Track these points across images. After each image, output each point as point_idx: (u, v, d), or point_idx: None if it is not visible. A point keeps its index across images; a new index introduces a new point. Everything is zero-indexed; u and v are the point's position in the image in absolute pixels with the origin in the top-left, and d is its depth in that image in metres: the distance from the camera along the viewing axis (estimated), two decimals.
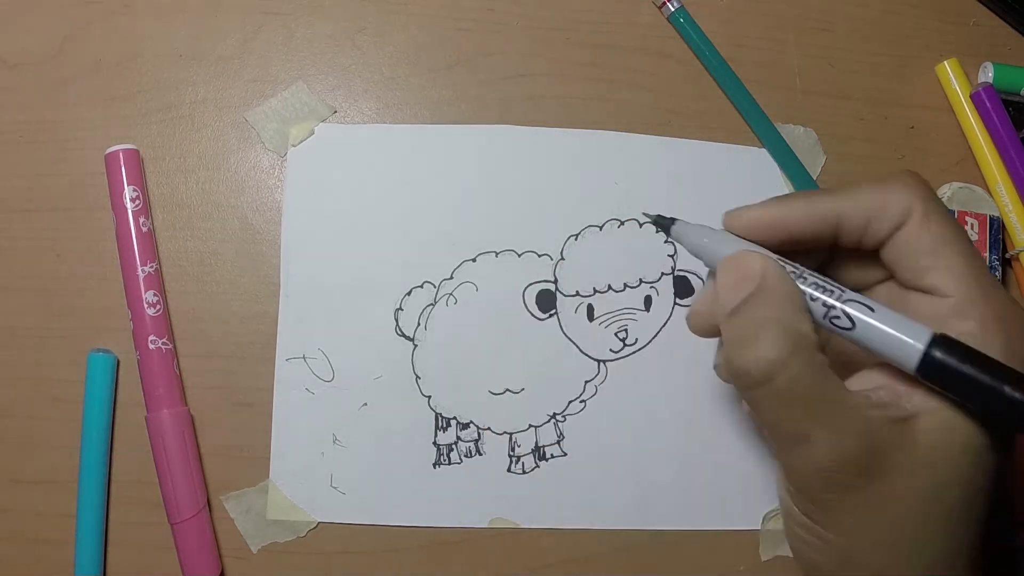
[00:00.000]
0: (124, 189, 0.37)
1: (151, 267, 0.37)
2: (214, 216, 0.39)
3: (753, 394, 0.26)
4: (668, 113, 0.41)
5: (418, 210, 0.40)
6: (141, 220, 0.37)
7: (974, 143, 0.43)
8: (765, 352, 0.25)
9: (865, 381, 0.27)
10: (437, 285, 0.39)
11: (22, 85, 0.39)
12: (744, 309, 0.27)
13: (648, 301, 0.40)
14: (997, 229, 0.41)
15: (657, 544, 0.39)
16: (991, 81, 0.43)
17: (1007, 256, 0.42)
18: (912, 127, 0.43)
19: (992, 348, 0.25)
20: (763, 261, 0.27)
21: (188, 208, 0.39)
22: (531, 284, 0.40)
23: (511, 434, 0.39)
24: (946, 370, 0.25)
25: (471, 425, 0.39)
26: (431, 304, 0.39)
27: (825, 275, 0.28)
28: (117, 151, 0.37)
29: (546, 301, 0.40)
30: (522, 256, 0.40)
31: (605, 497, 0.39)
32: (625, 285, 0.40)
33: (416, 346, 0.39)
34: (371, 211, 0.39)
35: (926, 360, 0.25)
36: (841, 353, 0.29)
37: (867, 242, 0.29)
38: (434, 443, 0.38)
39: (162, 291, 0.37)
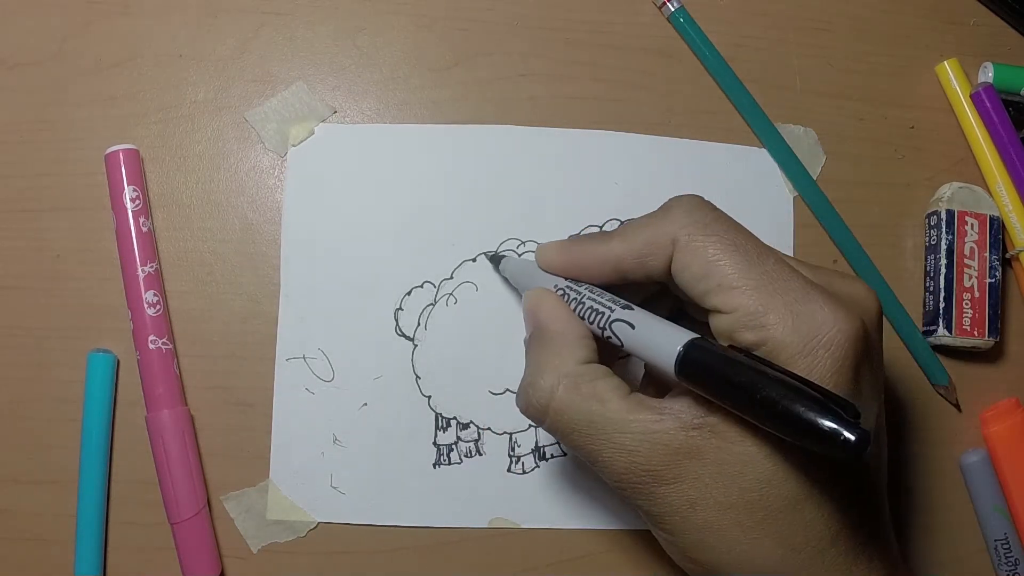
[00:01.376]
0: (124, 189, 0.37)
1: (151, 267, 0.37)
2: (214, 216, 0.39)
3: (542, 428, 0.30)
4: (668, 113, 0.41)
5: (418, 210, 0.40)
6: (141, 220, 0.37)
7: (974, 143, 0.43)
8: (533, 397, 0.29)
9: (675, 394, 0.28)
10: (437, 285, 0.39)
11: (22, 85, 0.39)
12: (527, 353, 0.31)
13: None
14: (997, 229, 0.41)
15: (656, 544, 0.39)
16: (991, 81, 0.43)
17: (1007, 256, 0.42)
18: (912, 127, 0.43)
19: (783, 352, 0.26)
20: (539, 297, 0.31)
21: (188, 208, 0.39)
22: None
23: (511, 434, 0.39)
24: (704, 374, 0.25)
25: (471, 425, 0.39)
26: (431, 304, 0.39)
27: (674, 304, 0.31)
28: (117, 151, 0.37)
29: None
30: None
31: (605, 497, 0.39)
32: None
33: (416, 346, 0.39)
34: (371, 211, 0.39)
35: (682, 365, 0.26)
36: None
37: (654, 278, 0.30)
38: (434, 443, 0.39)
39: (162, 291, 0.37)
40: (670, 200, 0.30)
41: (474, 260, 0.39)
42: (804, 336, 0.26)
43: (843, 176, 0.42)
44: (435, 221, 0.40)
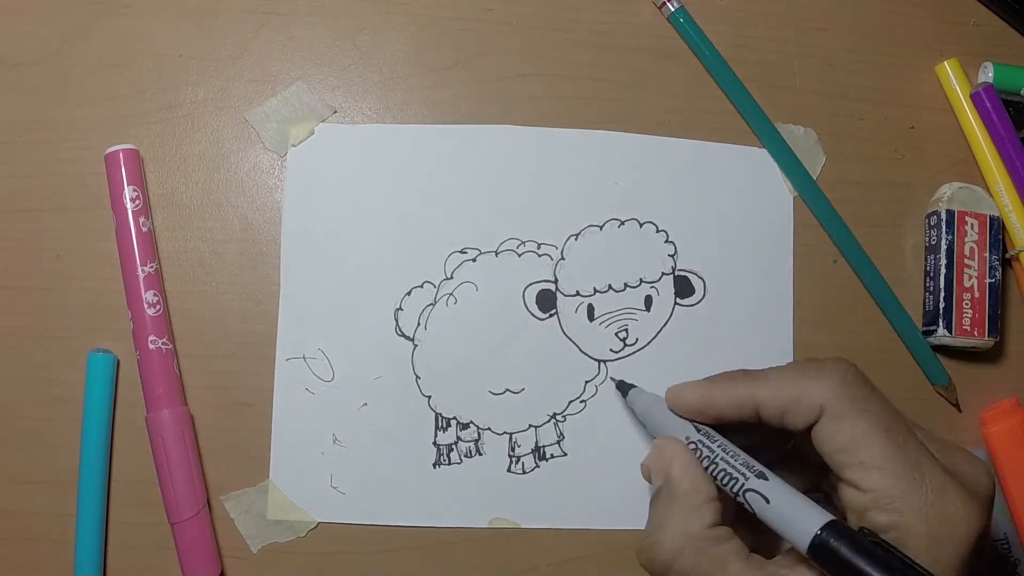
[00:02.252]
0: (124, 189, 0.37)
1: (151, 267, 0.37)
2: (214, 216, 0.39)
3: None
4: (668, 113, 0.41)
5: (418, 210, 0.40)
6: (141, 220, 0.37)
7: (974, 143, 0.43)
8: (656, 554, 0.30)
9: (793, 556, 0.29)
10: (437, 285, 0.39)
11: (22, 85, 0.39)
12: (653, 505, 0.31)
13: (648, 301, 0.40)
14: (997, 229, 0.41)
15: None
16: (991, 81, 0.43)
17: (1007, 256, 0.42)
18: (912, 127, 0.43)
19: (913, 540, 0.26)
20: (672, 451, 0.31)
21: (188, 208, 0.39)
22: (531, 284, 0.40)
23: (511, 434, 0.39)
24: (834, 557, 0.26)
25: (471, 425, 0.39)
26: (431, 304, 0.39)
27: (775, 442, 0.32)
28: (117, 151, 0.37)
29: (546, 301, 0.40)
30: (522, 256, 0.40)
31: (605, 497, 0.39)
32: (625, 285, 0.40)
33: (416, 346, 0.39)
34: (371, 211, 0.39)
35: (816, 545, 0.27)
36: None
37: (787, 430, 0.30)
38: (434, 443, 0.39)
39: (162, 291, 0.37)
40: (824, 361, 0.30)
41: (474, 260, 0.39)
42: (934, 528, 0.26)
43: (843, 176, 0.42)
44: (435, 221, 0.40)
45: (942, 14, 0.44)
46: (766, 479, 0.29)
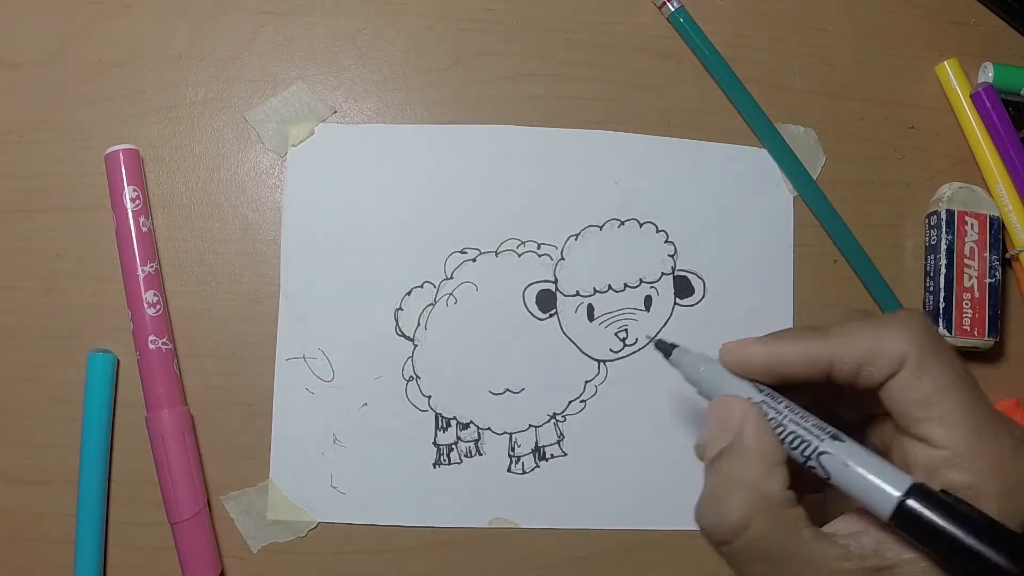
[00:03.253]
0: (124, 189, 0.37)
1: (151, 267, 0.37)
2: (214, 216, 0.39)
3: (719, 551, 0.28)
4: (668, 113, 0.41)
5: (418, 210, 0.40)
6: (141, 220, 0.37)
7: (974, 143, 0.43)
8: (728, 516, 0.27)
9: (848, 524, 0.27)
10: (437, 285, 0.39)
11: (22, 85, 0.39)
12: (718, 465, 0.28)
13: (648, 301, 0.40)
14: (997, 229, 0.41)
15: (657, 544, 0.39)
16: (991, 81, 0.43)
17: (1007, 256, 0.42)
18: (912, 127, 0.43)
19: (988, 500, 0.25)
20: (743, 410, 0.29)
21: (188, 208, 0.39)
22: (531, 284, 0.40)
23: (511, 434, 0.39)
24: (922, 522, 0.25)
25: (471, 425, 0.39)
26: (431, 304, 0.39)
27: (826, 405, 0.29)
28: (117, 151, 0.37)
29: (546, 301, 0.40)
30: (522, 256, 0.40)
31: (605, 497, 0.39)
32: (625, 285, 0.40)
33: (416, 346, 0.39)
34: (371, 211, 0.39)
35: (901, 511, 0.25)
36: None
37: (861, 385, 0.28)
38: (434, 443, 0.39)
39: (162, 291, 0.37)
40: (894, 315, 0.28)
41: (474, 260, 0.39)
42: (1009, 486, 0.25)
43: (843, 176, 0.42)
44: (435, 221, 0.40)
45: (942, 14, 0.44)
46: (841, 441, 0.27)
